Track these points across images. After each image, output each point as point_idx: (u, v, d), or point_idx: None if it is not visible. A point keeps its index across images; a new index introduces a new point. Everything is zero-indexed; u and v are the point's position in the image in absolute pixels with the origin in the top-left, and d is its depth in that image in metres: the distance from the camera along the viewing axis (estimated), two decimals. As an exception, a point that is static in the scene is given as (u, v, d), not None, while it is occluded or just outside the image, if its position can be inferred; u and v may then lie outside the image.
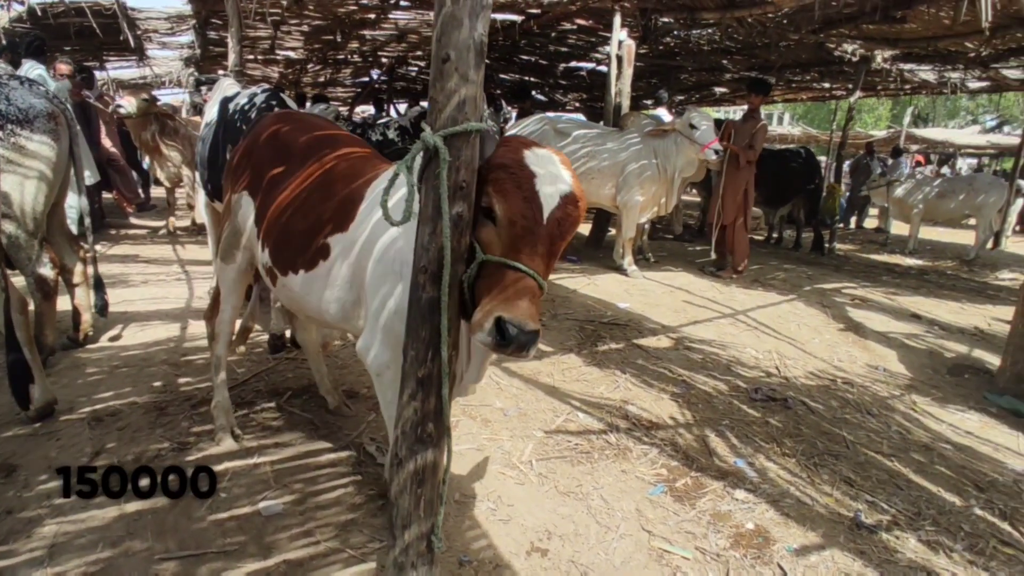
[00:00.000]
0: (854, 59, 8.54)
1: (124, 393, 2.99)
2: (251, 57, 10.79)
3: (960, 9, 5.41)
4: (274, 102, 3.41)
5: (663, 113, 7.55)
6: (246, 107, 3.40)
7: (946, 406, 3.74)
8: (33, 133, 2.87)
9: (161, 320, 4.06)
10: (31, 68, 5.06)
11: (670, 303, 5.26)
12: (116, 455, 2.48)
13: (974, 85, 9.63)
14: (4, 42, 6.18)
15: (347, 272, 2.02)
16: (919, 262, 9.21)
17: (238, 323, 3.55)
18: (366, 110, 15.18)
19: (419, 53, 11.52)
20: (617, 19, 6.78)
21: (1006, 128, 23.91)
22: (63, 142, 3.02)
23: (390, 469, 1.56)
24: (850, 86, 11.84)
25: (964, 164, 22.82)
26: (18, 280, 3.28)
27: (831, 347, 4.50)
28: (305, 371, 3.44)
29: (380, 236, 1.88)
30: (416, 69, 13.69)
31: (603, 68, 11.79)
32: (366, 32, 9.01)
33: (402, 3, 7.43)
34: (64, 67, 6.28)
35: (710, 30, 8.35)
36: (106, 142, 7.46)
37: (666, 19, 7.24)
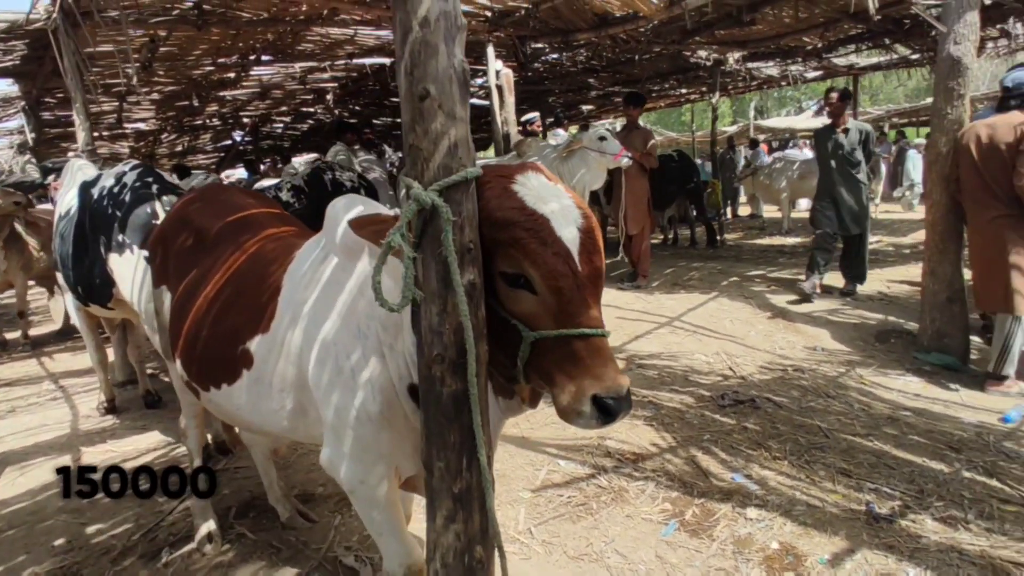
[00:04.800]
0: (708, 63, 9.16)
1: (17, 566, 2.36)
2: (95, 134, 9.76)
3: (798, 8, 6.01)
4: (149, 178, 2.94)
5: (561, 133, 7.66)
6: (115, 189, 2.90)
7: (887, 373, 3.90)
8: None
9: (44, 455, 3.35)
10: None
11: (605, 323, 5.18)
12: (22, 657, 1.91)
13: (810, 75, 10.65)
14: None
15: (281, 379, 1.69)
16: (798, 239, 9.92)
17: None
18: (231, 174, 14.26)
19: (283, 109, 10.99)
20: (491, 50, 6.78)
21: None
22: None
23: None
24: (703, 89, 12.81)
25: (802, 146, 25.41)
26: None
27: (768, 336, 4.60)
28: (243, 480, 2.96)
29: (314, 330, 1.58)
30: (281, 126, 13.07)
31: (474, 101, 11.91)
32: (226, 93, 8.42)
33: (263, 58, 6.99)
34: None
35: (580, 51, 8.62)
36: None
37: (539, 44, 7.34)
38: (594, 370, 1.12)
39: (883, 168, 13.62)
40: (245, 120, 11.57)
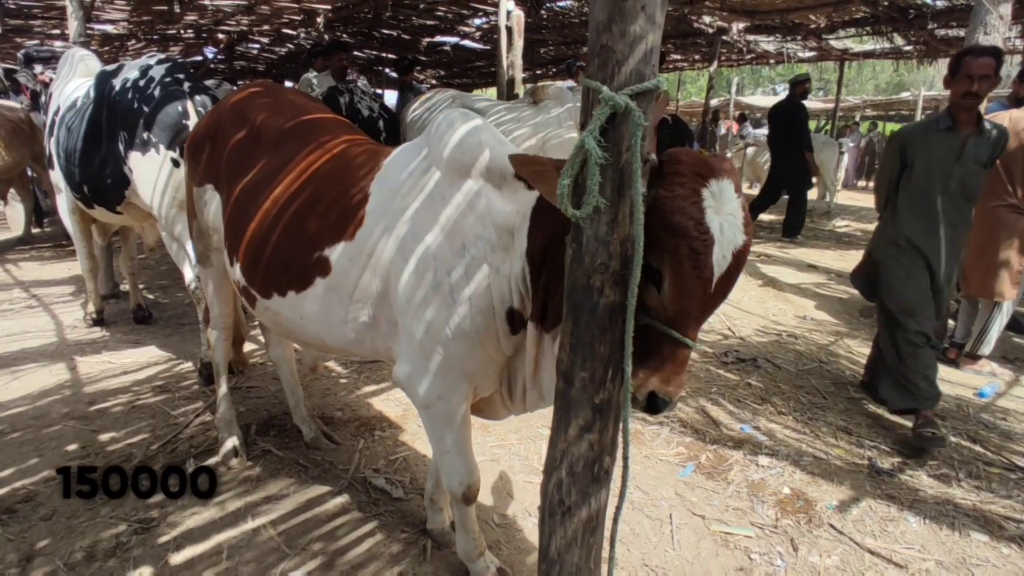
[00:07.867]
0: (711, 31, 9.12)
1: (31, 468, 2.28)
2: (56, 32, 9.03)
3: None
4: (180, 75, 2.75)
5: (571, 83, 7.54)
6: (141, 83, 2.70)
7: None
8: None
9: (35, 362, 3.20)
10: None
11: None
12: (58, 556, 1.86)
13: (804, 55, 10.73)
14: None
15: (361, 290, 1.66)
16: (773, 217, 10.17)
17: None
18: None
19: (266, 28, 10.38)
20: (503, -13, 6.55)
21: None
22: None
23: (548, 520, 1.27)
24: (696, 58, 12.79)
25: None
26: None
27: (761, 303, 4.76)
28: (258, 400, 2.92)
29: (411, 242, 1.54)
30: (258, 47, 12.39)
31: (467, 43, 11.55)
32: (208, 1, 7.87)
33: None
34: None
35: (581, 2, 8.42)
36: None
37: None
38: (667, 373, 1.19)
39: (845, 158, 13.80)
40: (220, 36, 10.91)
